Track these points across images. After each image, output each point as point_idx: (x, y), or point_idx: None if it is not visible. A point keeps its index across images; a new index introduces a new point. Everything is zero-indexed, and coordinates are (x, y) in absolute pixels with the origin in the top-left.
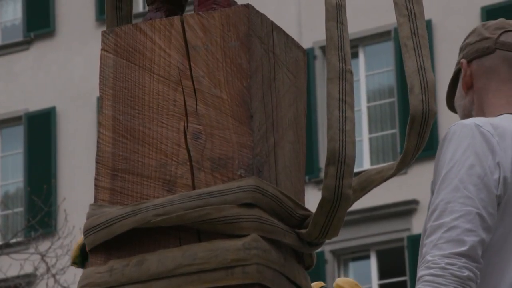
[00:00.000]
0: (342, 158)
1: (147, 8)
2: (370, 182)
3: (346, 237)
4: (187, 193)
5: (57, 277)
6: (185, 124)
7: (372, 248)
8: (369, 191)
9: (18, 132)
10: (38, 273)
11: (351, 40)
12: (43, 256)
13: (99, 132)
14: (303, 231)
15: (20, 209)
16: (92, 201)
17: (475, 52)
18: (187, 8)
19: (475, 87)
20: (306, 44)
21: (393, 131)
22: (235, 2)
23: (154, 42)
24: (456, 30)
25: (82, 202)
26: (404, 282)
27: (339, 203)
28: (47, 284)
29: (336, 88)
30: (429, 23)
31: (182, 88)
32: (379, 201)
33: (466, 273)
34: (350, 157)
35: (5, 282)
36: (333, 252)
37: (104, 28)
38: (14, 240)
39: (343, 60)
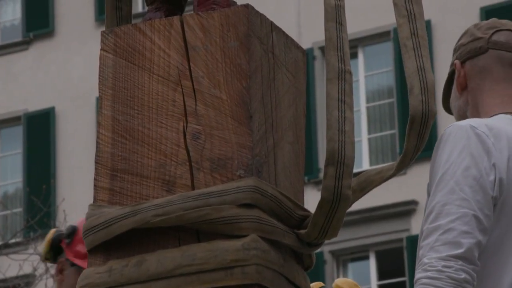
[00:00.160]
0: (341, 159)
1: (146, 8)
2: (369, 182)
3: (345, 238)
4: (187, 193)
5: None
6: (185, 125)
7: (371, 249)
8: (368, 191)
9: (17, 132)
10: (37, 273)
11: (351, 41)
12: None
13: (98, 132)
14: (303, 231)
15: (19, 210)
16: (91, 202)
17: (468, 52)
18: (187, 8)
19: (469, 87)
20: (305, 45)
21: (393, 131)
22: (235, 3)
23: (154, 42)
24: (455, 31)
25: (82, 202)
26: (403, 282)
27: (339, 204)
28: (46, 285)
29: (335, 88)
30: (428, 24)
31: (182, 88)
32: (378, 202)
33: (463, 275)
34: (349, 157)
35: (4, 282)
36: (332, 252)
37: (103, 28)
38: (13, 241)
39: (342, 60)
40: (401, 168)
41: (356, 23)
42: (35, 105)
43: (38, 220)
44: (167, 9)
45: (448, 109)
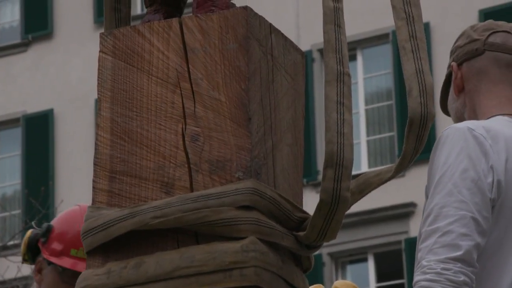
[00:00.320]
0: (340, 161)
1: (145, 10)
2: (368, 184)
3: (344, 240)
4: (185, 195)
5: None
6: (183, 126)
7: (370, 251)
8: (367, 193)
9: (16, 134)
10: None
11: (350, 43)
12: None
13: (97, 134)
14: (301, 233)
15: (17, 211)
16: (90, 203)
17: (464, 54)
18: (186, 10)
19: (466, 89)
20: (304, 47)
21: (391, 133)
22: (234, 5)
23: (153, 44)
24: (454, 33)
25: None
26: (402, 285)
27: (337, 206)
28: None
29: (334, 90)
30: (427, 26)
31: (181, 90)
32: (377, 204)
33: (462, 278)
34: (348, 159)
35: (3, 284)
36: (331, 254)
37: (102, 30)
38: (11, 243)
39: (341, 62)
40: (399, 170)
41: (355, 26)
42: (34, 106)
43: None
44: (166, 11)
45: (446, 111)
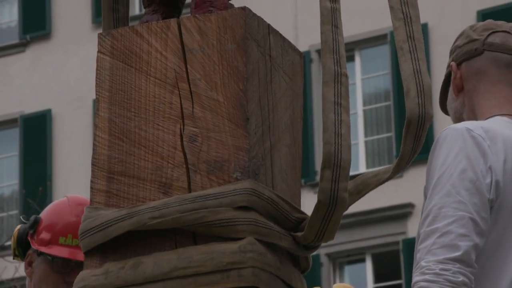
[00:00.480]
0: (337, 162)
1: (143, 11)
2: (366, 185)
3: (342, 241)
4: (183, 195)
5: None
6: (181, 127)
7: (368, 252)
8: (365, 194)
9: (14, 135)
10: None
11: (347, 44)
12: None
13: (95, 134)
14: (299, 234)
15: (15, 212)
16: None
17: (464, 54)
18: (184, 11)
19: (465, 89)
20: (302, 47)
21: (389, 134)
22: (232, 5)
23: (151, 45)
24: (452, 34)
25: None
26: (400, 285)
27: (335, 207)
28: None
29: (332, 91)
30: (425, 27)
31: (179, 91)
32: (374, 205)
33: (461, 278)
34: (345, 160)
35: (0, 285)
36: (329, 255)
37: (100, 31)
38: (9, 243)
39: (338, 63)
40: (397, 171)
41: (353, 26)
42: (32, 107)
43: None
44: (164, 11)
45: (445, 111)
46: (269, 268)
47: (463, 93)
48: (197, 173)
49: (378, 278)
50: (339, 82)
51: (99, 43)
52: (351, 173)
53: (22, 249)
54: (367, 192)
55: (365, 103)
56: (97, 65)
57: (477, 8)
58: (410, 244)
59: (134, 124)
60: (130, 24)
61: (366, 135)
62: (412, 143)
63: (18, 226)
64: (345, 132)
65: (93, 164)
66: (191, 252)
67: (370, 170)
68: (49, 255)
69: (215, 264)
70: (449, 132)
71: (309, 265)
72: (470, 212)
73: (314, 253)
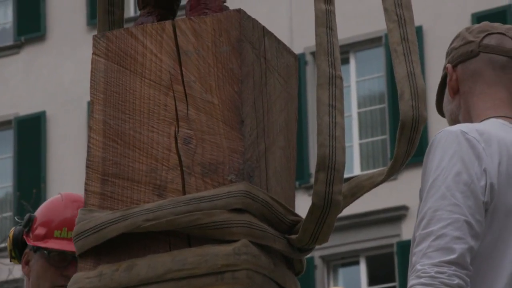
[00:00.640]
0: (332, 164)
1: (138, 12)
2: (360, 188)
3: (336, 243)
4: (178, 198)
5: None
6: (176, 129)
7: (362, 254)
8: (359, 197)
9: (8, 137)
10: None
11: (342, 46)
12: None
13: (89, 136)
14: (293, 236)
15: (9, 214)
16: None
17: (459, 56)
18: (179, 13)
19: (461, 91)
20: (297, 50)
21: (384, 137)
22: (227, 7)
23: (146, 47)
24: (447, 36)
25: None
26: None
27: (329, 209)
28: None
29: (326, 93)
30: (420, 29)
31: (173, 93)
32: (369, 207)
33: (456, 281)
34: (340, 163)
35: None
36: (323, 257)
37: (95, 33)
38: (3, 245)
39: (333, 65)
40: (391, 173)
41: (348, 29)
42: (26, 109)
43: None
44: (159, 13)
45: (441, 113)
46: (263, 271)
47: (459, 95)
48: (192, 176)
49: (372, 280)
50: (333, 85)
51: (94, 45)
52: (346, 175)
53: (18, 250)
54: (361, 194)
55: (359, 105)
56: (92, 67)
57: (472, 11)
58: (404, 247)
59: (129, 126)
60: (125, 26)
61: (360, 137)
62: (406, 145)
63: (13, 228)
64: (340, 134)
65: (87, 166)
66: (185, 254)
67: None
68: (45, 249)
69: (209, 266)
70: (443, 135)
71: (303, 267)
72: (465, 214)
73: (308, 255)
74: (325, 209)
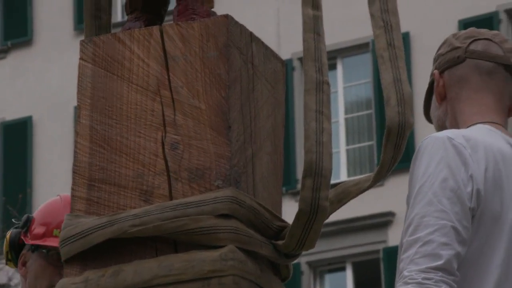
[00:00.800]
0: (319, 170)
1: (126, 17)
2: (347, 194)
3: (322, 249)
4: (164, 203)
5: None
6: (163, 134)
7: (348, 260)
8: (345, 203)
9: None
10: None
11: (330, 52)
12: None
13: (76, 141)
14: (280, 242)
15: None
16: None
17: (446, 62)
18: (166, 18)
19: (448, 97)
20: (284, 55)
21: (370, 143)
22: (214, 13)
23: (133, 52)
24: (434, 43)
25: None
26: None
27: (316, 215)
28: None
29: (313, 99)
30: (407, 36)
31: (161, 98)
32: (355, 213)
33: (443, 287)
34: (326, 169)
35: None
36: (309, 263)
37: (82, 38)
38: None
39: (320, 71)
40: (378, 179)
41: (335, 35)
42: (13, 114)
43: None
44: (147, 18)
45: (429, 119)
46: (250, 276)
47: (446, 101)
48: (179, 181)
49: (358, 286)
50: (321, 90)
51: (81, 50)
52: (332, 181)
53: (15, 252)
54: (348, 200)
55: (346, 111)
56: (79, 72)
57: (458, 17)
58: (390, 253)
59: (116, 132)
60: (113, 31)
61: (347, 143)
62: (392, 151)
63: (10, 230)
64: (327, 140)
65: (74, 172)
66: (172, 260)
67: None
68: (45, 247)
69: (196, 272)
70: (430, 141)
71: (290, 273)
72: (452, 220)
73: (295, 261)
74: (311, 215)
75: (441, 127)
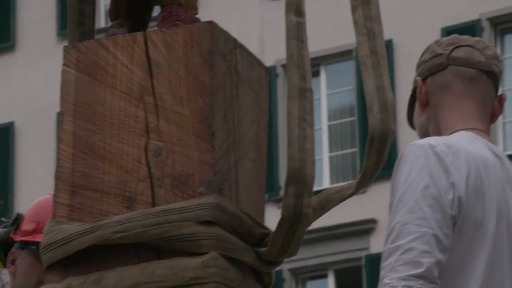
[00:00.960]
0: (301, 177)
1: (109, 23)
2: (329, 201)
3: (305, 256)
4: (147, 210)
5: None
6: (146, 141)
7: (330, 267)
8: (328, 210)
9: None
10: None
11: (313, 59)
12: None
13: (59, 147)
14: (262, 249)
15: None
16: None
17: (429, 69)
18: (150, 24)
19: (430, 104)
20: (268, 62)
21: (354, 150)
22: (199, 19)
23: (117, 58)
24: (417, 50)
25: None
26: None
27: (299, 223)
28: None
29: (296, 106)
30: (390, 43)
31: (144, 105)
32: (337, 220)
33: None
34: (309, 176)
35: None
36: (292, 270)
37: (65, 43)
38: None
39: (303, 78)
40: (360, 186)
41: (319, 41)
42: None
43: None
44: (131, 24)
45: (413, 126)
46: (232, 283)
47: (428, 107)
48: (162, 188)
49: None
50: (304, 97)
51: (64, 56)
52: (315, 188)
53: (3, 251)
54: (331, 207)
55: (330, 118)
56: (62, 78)
57: (441, 25)
58: (372, 260)
59: (99, 138)
60: (96, 37)
61: (330, 150)
62: (375, 158)
63: None
64: (310, 147)
65: (56, 178)
66: (154, 267)
67: (334, 185)
68: (34, 243)
69: (178, 279)
70: (412, 149)
71: (272, 280)
72: (433, 228)
73: (277, 268)
74: (294, 222)
75: (424, 133)
